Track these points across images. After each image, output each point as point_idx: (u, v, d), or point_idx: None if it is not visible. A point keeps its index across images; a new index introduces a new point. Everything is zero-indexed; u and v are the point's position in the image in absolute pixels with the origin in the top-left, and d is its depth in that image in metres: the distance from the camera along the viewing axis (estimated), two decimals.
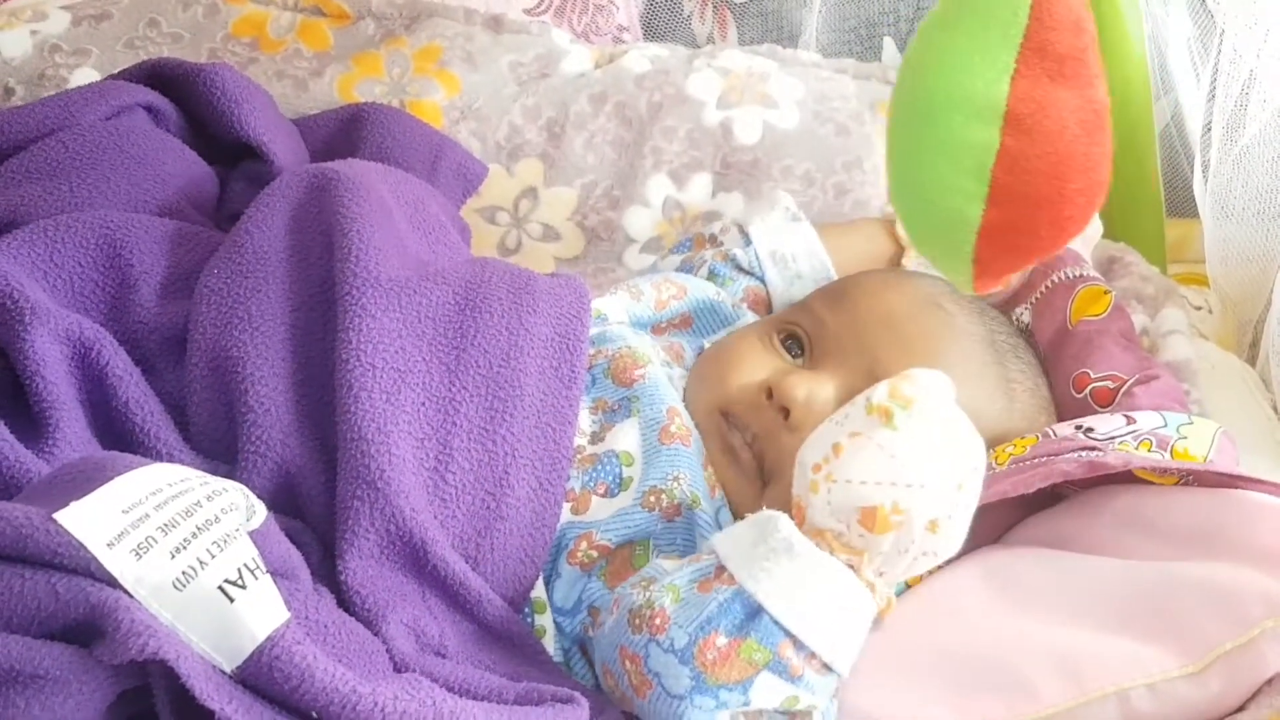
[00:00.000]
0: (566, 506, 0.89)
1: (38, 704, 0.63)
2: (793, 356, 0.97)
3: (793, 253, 1.13)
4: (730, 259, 1.12)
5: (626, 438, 0.92)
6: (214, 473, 0.77)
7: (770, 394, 0.92)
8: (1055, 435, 0.94)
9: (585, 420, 0.93)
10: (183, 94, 1.10)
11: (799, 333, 0.98)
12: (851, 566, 0.78)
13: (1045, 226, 0.79)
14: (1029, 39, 0.75)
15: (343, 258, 0.89)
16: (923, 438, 0.77)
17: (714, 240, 1.16)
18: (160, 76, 1.11)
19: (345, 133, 1.18)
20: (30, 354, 0.82)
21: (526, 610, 0.87)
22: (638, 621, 0.79)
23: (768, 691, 0.76)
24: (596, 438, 0.92)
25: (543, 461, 0.89)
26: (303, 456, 0.85)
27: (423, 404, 0.87)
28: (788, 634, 0.76)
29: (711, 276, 1.11)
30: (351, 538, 0.82)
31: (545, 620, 0.88)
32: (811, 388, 0.92)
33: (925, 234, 0.81)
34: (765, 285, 1.12)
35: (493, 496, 0.86)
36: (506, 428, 0.88)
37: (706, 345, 1.04)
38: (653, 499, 0.89)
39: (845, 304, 0.98)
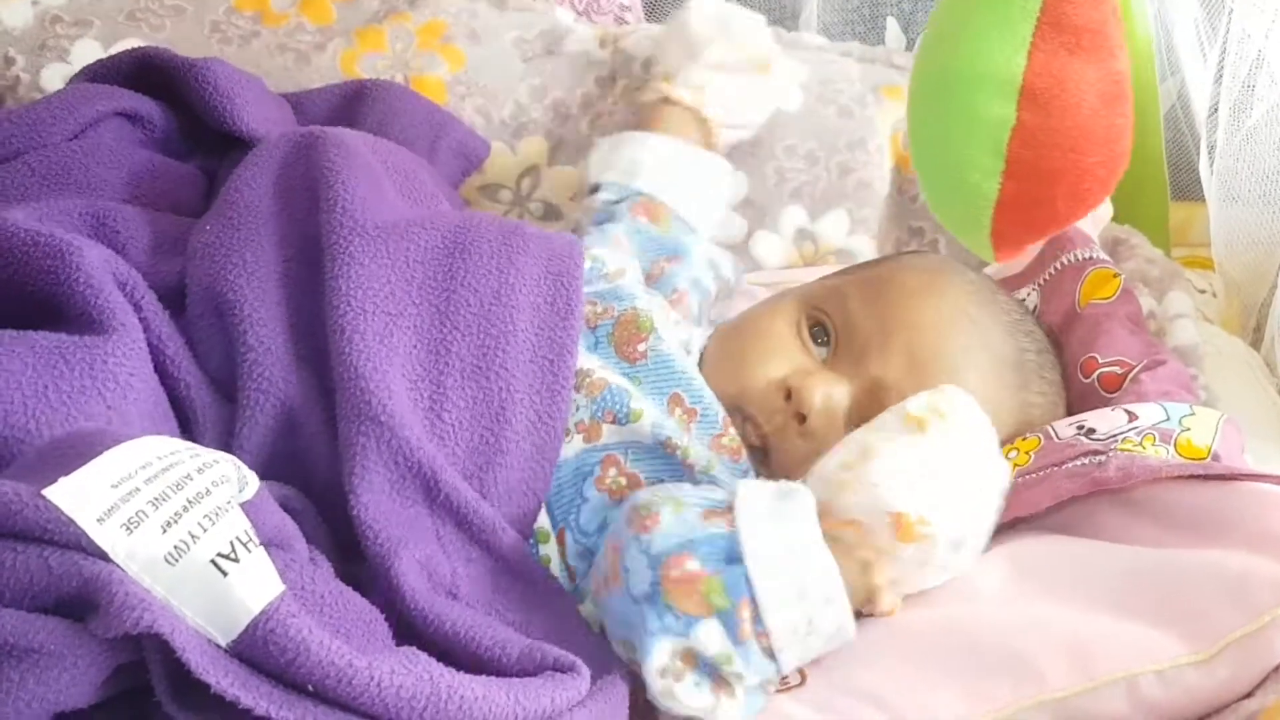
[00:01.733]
0: (579, 436, 0.90)
1: (33, 678, 0.63)
2: (818, 344, 0.96)
3: (634, 159, 1.15)
4: (601, 204, 1.14)
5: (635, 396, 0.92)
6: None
7: (789, 395, 0.92)
8: (1057, 437, 0.94)
9: (592, 361, 0.93)
10: (173, 85, 1.09)
11: (827, 323, 0.96)
12: (867, 565, 0.78)
13: (1063, 200, 0.78)
14: (1046, 12, 0.74)
15: (328, 208, 0.90)
16: (958, 454, 0.78)
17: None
18: (150, 66, 1.10)
19: (346, 107, 1.17)
20: (87, 278, 0.82)
21: (531, 541, 0.88)
22: (633, 517, 0.79)
23: (709, 637, 0.76)
24: (595, 372, 0.92)
25: (540, 394, 0.89)
26: (303, 395, 0.86)
27: (414, 346, 0.88)
28: (752, 597, 0.76)
29: (600, 226, 1.12)
30: (362, 472, 0.82)
31: (550, 549, 0.88)
32: (829, 392, 0.91)
33: (945, 205, 0.81)
34: (643, 194, 1.13)
35: (491, 432, 0.87)
36: (500, 363, 0.88)
37: (708, 288, 1.04)
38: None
39: (880, 304, 0.95)
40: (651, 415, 0.89)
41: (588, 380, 0.91)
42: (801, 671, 0.81)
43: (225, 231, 0.91)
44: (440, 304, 0.89)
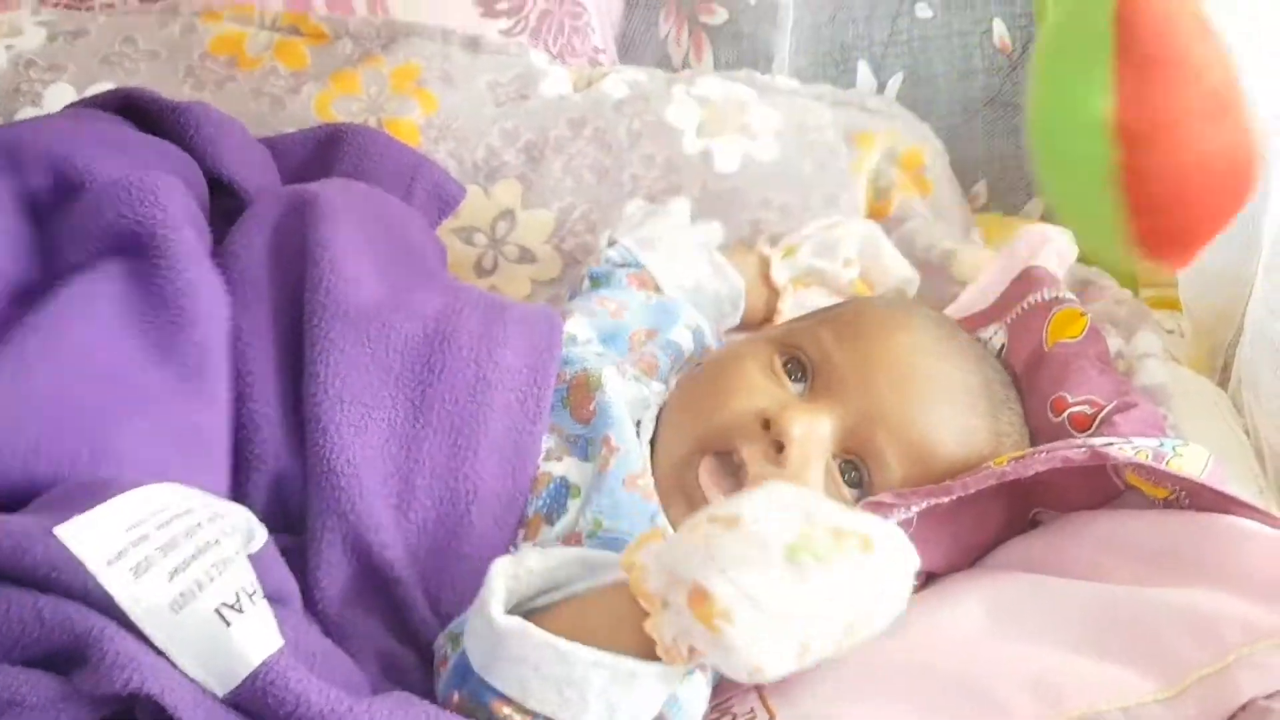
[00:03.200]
0: (520, 533, 0.89)
1: None
2: (793, 380, 0.96)
3: (657, 234, 1.16)
4: (605, 260, 1.15)
5: (581, 474, 0.91)
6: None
7: (767, 425, 0.91)
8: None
9: (548, 440, 0.93)
10: (154, 127, 1.09)
11: (802, 358, 0.96)
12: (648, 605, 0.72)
13: (1198, 221, 0.79)
14: (1119, 49, 0.75)
15: (313, 287, 0.90)
16: (835, 591, 0.69)
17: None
18: (133, 107, 1.11)
19: (322, 153, 1.17)
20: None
21: None
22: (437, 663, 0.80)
23: None
24: (552, 455, 0.92)
25: (501, 500, 0.89)
26: (293, 471, 0.86)
27: (387, 441, 0.88)
28: (500, 694, 0.72)
29: (594, 283, 1.13)
30: (326, 566, 0.83)
31: None
32: (810, 423, 0.91)
33: (1090, 244, 0.80)
34: (645, 268, 1.14)
35: (454, 535, 0.87)
36: (469, 465, 0.88)
37: (681, 348, 1.04)
38: (572, 540, 0.88)
39: (853, 339, 0.96)
40: (579, 504, 0.89)
41: (533, 478, 0.91)
42: (769, 708, 0.81)
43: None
44: (416, 399, 0.89)
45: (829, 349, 0.96)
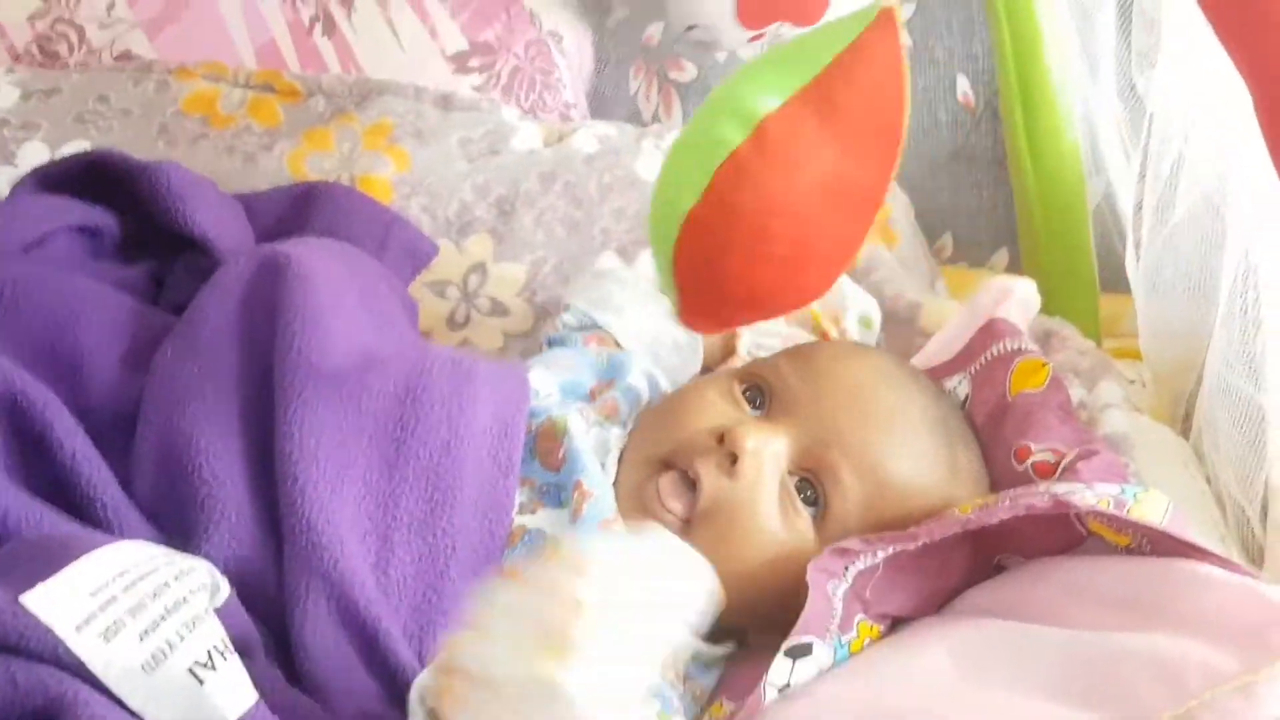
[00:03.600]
0: None
1: None
2: (752, 406, 0.98)
3: (608, 291, 1.16)
4: (562, 325, 1.16)
5: (555, 523, 0.92)
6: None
7: (721, 439, 0.93)
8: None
9: (521, 492, 0.94)
10: (124, 187, 1.10)
11: (760, 384, 0.98)
12: None
13: (735, 254, 0.80)
14: (820, 80, 0.77)
15: (284, 347, 0.91)
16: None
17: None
18: (103, 169, 1.12)
19: (296, 210, 1.19)
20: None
21: None
22: None
23: None
24: (525, 509, 0.93)
25: (478, 553, 0.89)
26: (255, 533, 0.86)
27: (363, 498, 0.88)
28: None
29: (550, 347, 1.14)
30: (312, 626, 0.83)
31: None
32: (764, 438, 0.93)
33: (652, 213, 0.82)
34: (602, 328, 1.15)
35: (434, 590, 0.88)
36: (447, 519, 0.89)
37: (639, 393, 1.05)
38: None
39: (810, 365, 0.98)
40: None
41: (511, 528, 0.92)
42: None
43: (187, 359, 0.92)
44: (390, 455, 0.90)
45: (786, 374, 0.98)
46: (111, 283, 1.04)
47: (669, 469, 0.94)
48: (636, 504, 0.93)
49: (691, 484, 0.93)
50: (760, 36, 0.97)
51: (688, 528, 0.91)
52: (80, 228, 1.07)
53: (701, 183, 0.75)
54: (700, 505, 0.92)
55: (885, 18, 0.77)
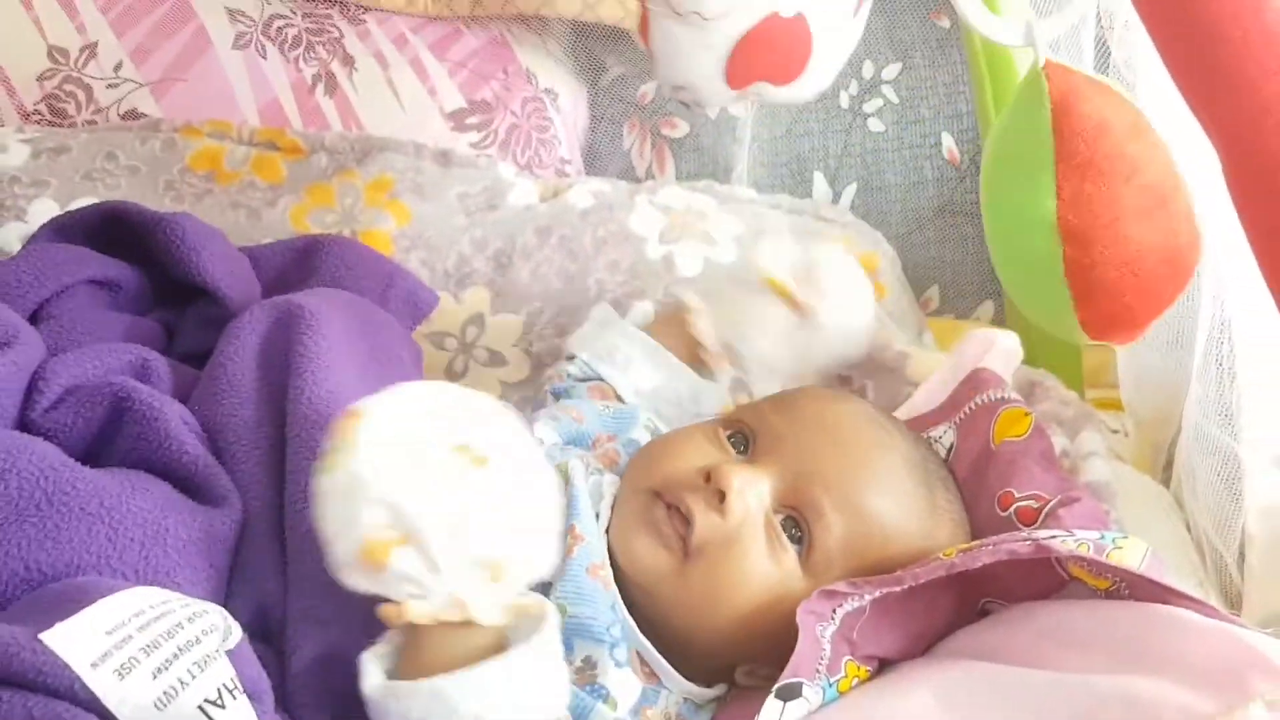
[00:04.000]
0: None
1: None
2: (737, 451, 1.00)
3: (613, 345, 1.17)
4: (565, 376, 1.17)
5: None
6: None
7: (708, 478, 0.95)
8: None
9: None
10: (138, 238, 1.13)
11: (744, 429, 1.01)
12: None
13: (1140, 305, 0.83)
14: (1059, 154, 0.80)
15: (295, 397, 0.94)
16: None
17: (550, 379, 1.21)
18: (118, 219, 1.14)
19: (300, 262, 1.21)
20: (180, 446, 0.89)
21: None
22: None
23: None
24: None
25: None
26: (275, 581, 0.88)
27: None
28: None
29: (555, 398, 1.16)
30: (306, 677, 0.85)
31: None
32: (749, 477, 0.95)
33: (1045, 326, 0.85)
34: (605, 380, 1.16)
35: None
36: None
37: (638, 440, 1.07)
38: None
39: (792, 408, 1.01)
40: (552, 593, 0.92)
41: None
42: None
43: (211, 407, 0.95)
44: None
45: (767, 416, 1.01)
46: (125, 334, 1.07)
47: (660, 500, 0.96)
48: (640, 521, 0.95)
49: (684, 520, 0.94)
50: (743, 95, 1.01)
51: (685, 561, 0.93)
52: (97, 280, 1.10)
53: (1065, 293, 0.79)
54: (694, 541, 0.93)
55: (1053, 69, 0.81)
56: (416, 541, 0.74)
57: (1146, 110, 0.87)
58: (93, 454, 0.91)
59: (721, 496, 0.93)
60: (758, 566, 0.94)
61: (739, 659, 0.95)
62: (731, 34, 0.97)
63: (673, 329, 1.19)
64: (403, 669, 0.79)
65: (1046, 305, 0.82)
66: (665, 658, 0.94)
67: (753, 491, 0.95)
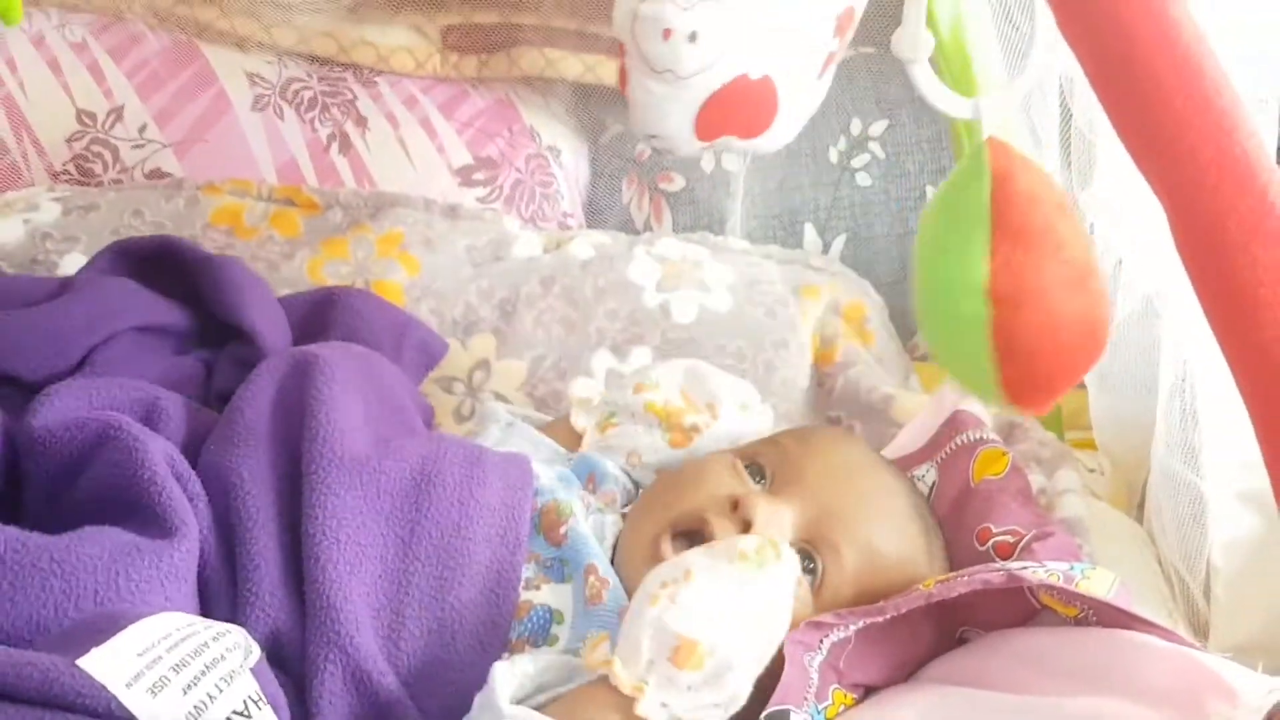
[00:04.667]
0: (505, 656, 0.94)
1: None
2: (755, 482, 1.02)
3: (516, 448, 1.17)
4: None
5: (560, 598, 0.97)
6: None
7: (735, 506, 0.97)
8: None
9: (528, 569, 0.98)
10: (184, 274, 1.18)
11: (762, 462, 1.04)
12: (635, 692, 0.84)
13: (1057, 375, 0.88)
14: (995, 220, 0.85)
15: (311, 437, 0.97)
16: (766, 596, 0.86)
17: None
18: (172, 252, 1.19)
19: (318, 313, 1.25)
20: (151, 476, 0.91)
21: None
22: None
23: None
24: (531, 584, 0.97)
25: (485, 625, 0.94)
26: (286, 607, 0.92)
27: (379, 576, 0.93)
28: None
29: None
30: (329, 695, 0.89)
31: None
32: (775, 509, 0.98)
33: (966, 384, 0.91)
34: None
35: (441, 661, 0.92)
36: (455, 595, 0.94)
37: (627, 485, 1.09)
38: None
39: (810, 445, 1.04)
40: (566, 630, 0.95)
41: (518, 602, 0.96)
42: None
43: (228, 448, 0.98)
44: (405, 535, 0.95)
45: (788, 451, 1.04)
46: (162, 376, 1.11)
47: (677, 529, 0.98)
48: (644, 557, 0.97)
49: (701, 541, 0.96)
50: (711, 145, 1.07)
51: None
52: (143, 328, 1.15)
53: (990, 357, 0.84)
54: None
55: (995, 144, 0.86)
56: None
57: (1106, 171, 0.92)
58: (71, 473, 0.94)
59: (746, 526, 0.96)
60: None
61: None
62: (702, 92, 1.01)
63: (562, 427, 1.19)
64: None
65: (970, 366, 0.86)
66: None
67: (776, 524, 0.98)
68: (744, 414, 1.16)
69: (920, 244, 0.87)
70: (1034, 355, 0.83)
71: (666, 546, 0.98)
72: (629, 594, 0.95)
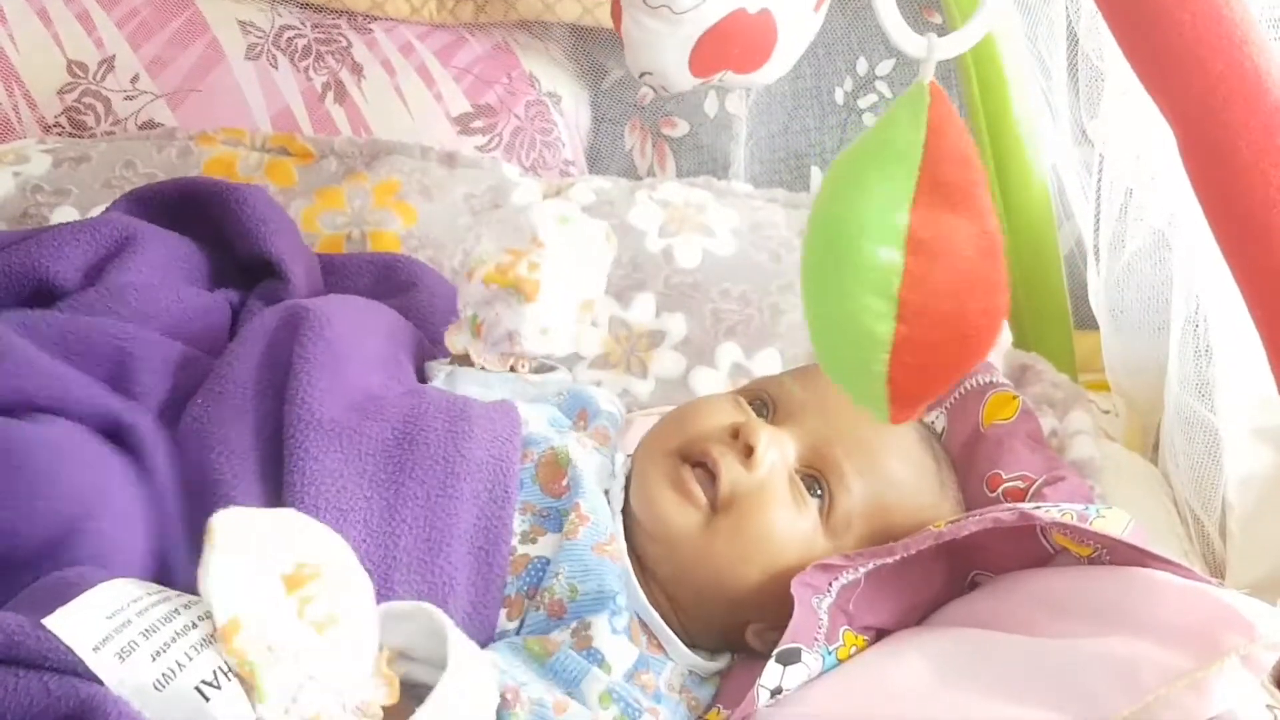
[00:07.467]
0: (503, 613, 0.93)
1: None
2: (759, 415, 1.02)
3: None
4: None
5: (558, 549, 0.95)
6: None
7: (735, 435, 0.97)
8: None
9: (516, 521, 0.96)
10: (212, 210, 1.16)
11: (764, 397, 1.03)
12: None
13: (953, 343, 0.84)
14: (925, 171, 0.82)
15: (290, 399, 0.95)
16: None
17: None
18: (192, 193, 1.17)
19: (381, 277, 1.25)
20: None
21: None
22: None
23: None
24: (527, 537, 0.96)
25: (476, 586, 0.93)
26: None
27: (364, 540, 0.91)
28: None
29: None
30: None
31: None
32: (775, 433, 0.98)
33: (840, 357, 0.86)
34: None
35: None
36: (444, 558, 0.92)
37: (618, 417, 1.09)
38: (555, 608, 0.93)
39: (813, 380, 1.03)
40: (562, 581, 0.94)
41: (512, 557, 0.95)
42: None
43: (213, 407, 0.97)
44: (389, 497, 0.93)
45: (789, 385, 1.04)
46: (185, 316, 1.09)
47: (686, 460, 0.98)
48: (667, 482, 0.97)
49: (710, 478, 0.97)
50: (707, 81, 1.04)
51: (712, 516, 0.96)
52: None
53: (890, 309, 0.80)
54: (721, 493, 0.96)
55: (936, 92, 0.84)
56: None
57: (1114, 97, 0.90)
58: None
59: (749, 451, 0.96)
60: (783, 519, 0.96)
61: (753, 616, 0.98)
62: (699, 27, 1.00)
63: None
64: None
65: (860, 316, 0.83)
66: (673, 629, 0.97)
67: (778, 446, 0.97)
68: (565, 226, 1.12)
69: (833, 181, 0.85)
70: (938, 316, 0.80)
71: (688, 474, 0.97)
72: (638, 524, 0.96)
